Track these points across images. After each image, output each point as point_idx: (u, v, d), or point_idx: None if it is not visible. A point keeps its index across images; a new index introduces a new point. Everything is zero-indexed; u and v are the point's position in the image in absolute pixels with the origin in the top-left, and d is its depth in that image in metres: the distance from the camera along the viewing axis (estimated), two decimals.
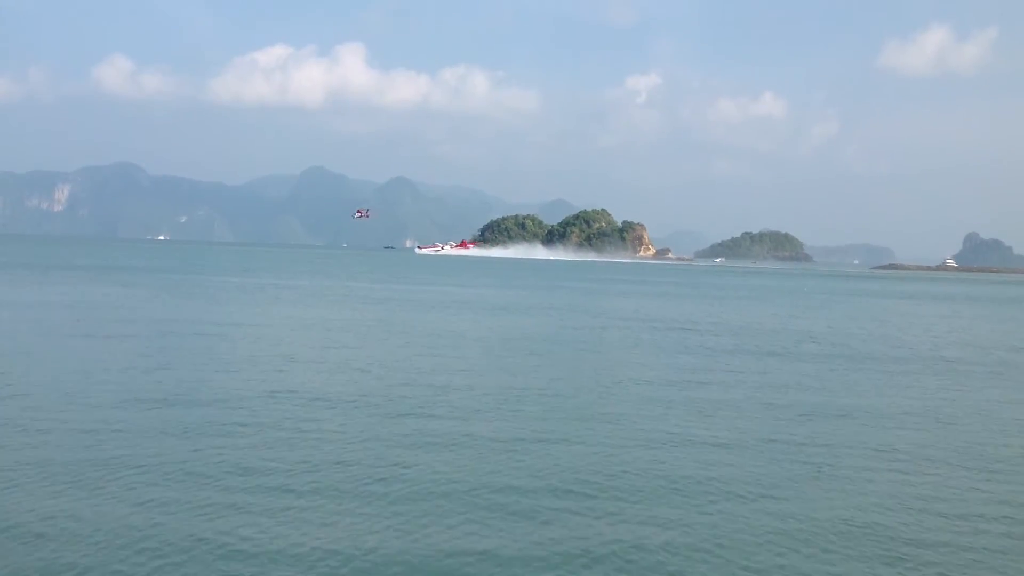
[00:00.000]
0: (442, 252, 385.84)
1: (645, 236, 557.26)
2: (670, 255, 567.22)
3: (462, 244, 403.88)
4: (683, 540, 18.17)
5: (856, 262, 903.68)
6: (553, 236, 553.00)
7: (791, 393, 36.67)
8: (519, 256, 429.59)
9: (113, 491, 19.91)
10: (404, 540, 17.58)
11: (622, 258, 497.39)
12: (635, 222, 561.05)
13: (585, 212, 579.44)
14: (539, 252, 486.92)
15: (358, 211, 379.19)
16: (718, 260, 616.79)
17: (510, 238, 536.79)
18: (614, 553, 17.33)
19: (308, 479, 21.37)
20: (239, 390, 32.67)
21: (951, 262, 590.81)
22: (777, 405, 33.67)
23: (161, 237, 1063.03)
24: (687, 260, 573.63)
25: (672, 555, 17.36)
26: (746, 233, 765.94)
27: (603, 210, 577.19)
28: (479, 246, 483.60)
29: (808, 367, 45.40)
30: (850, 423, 30.88)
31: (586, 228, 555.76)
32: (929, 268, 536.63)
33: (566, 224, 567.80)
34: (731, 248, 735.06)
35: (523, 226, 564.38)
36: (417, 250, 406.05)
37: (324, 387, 34.14)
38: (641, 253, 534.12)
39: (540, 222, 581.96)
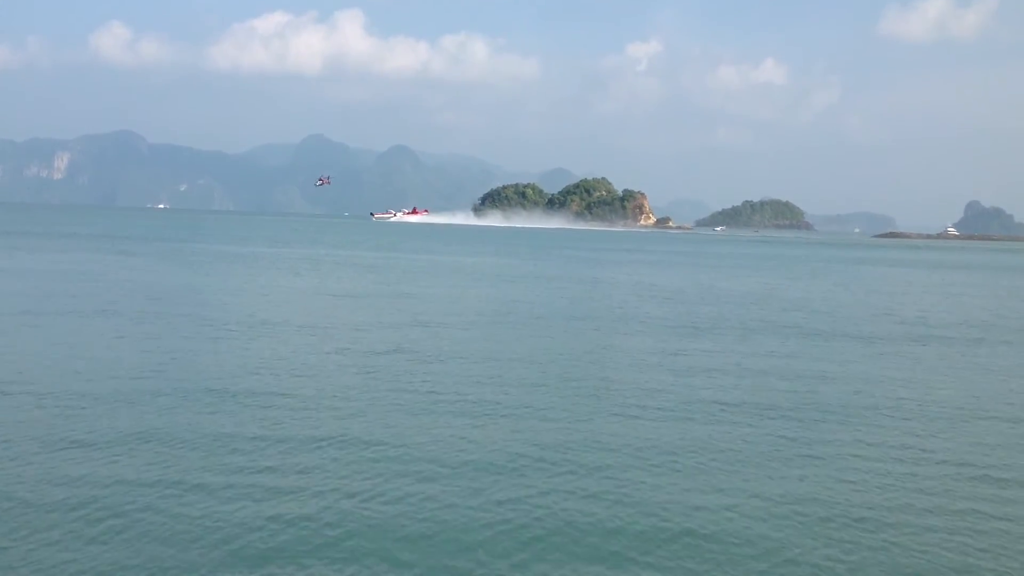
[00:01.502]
0: (395, 219, 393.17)
1: (646, 205, 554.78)
2: (671, 224, 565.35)
3: (413, 211, 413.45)
4: (650, 518, 18.19)
5: (857, 230, 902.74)
6: (553, 204, 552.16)
7: (769, 363, 36.61)
8: (505, 225, 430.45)
9: (89, 461, 19.91)
10: (386, 508, 17.63)
11: (622, 227, 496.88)
12: (636, 191, 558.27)
13: (585, 181, 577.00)
14: (525, 219, 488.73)
15: (319, 179, 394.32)
16: (719, 229, 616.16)
17: (510, 207, 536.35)
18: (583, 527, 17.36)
19: (286, 451, 21.38)
20: (216, 361, 32.69)
21: (952, 230, 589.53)
22: (752, 373, 33.64)
23: (161, 205, 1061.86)
24: (687, 228, 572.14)
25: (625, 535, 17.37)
26: (747, 202, 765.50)
27: (603, 179, 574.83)
28: (480, 212, 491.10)
29: (790, 337, 45.29)
30: (825, 397, 30.80)
31: (586, 197, 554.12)
32: (930, 236, 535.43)
33: (566, 193, 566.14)
34: (732, 216, 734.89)
35: (523, 195, 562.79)
36: (372, 217, 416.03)
37: (307, 359, 34.13)
38: (642, 222, 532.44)
39: (540, 191, 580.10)
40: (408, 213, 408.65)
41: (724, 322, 50.11)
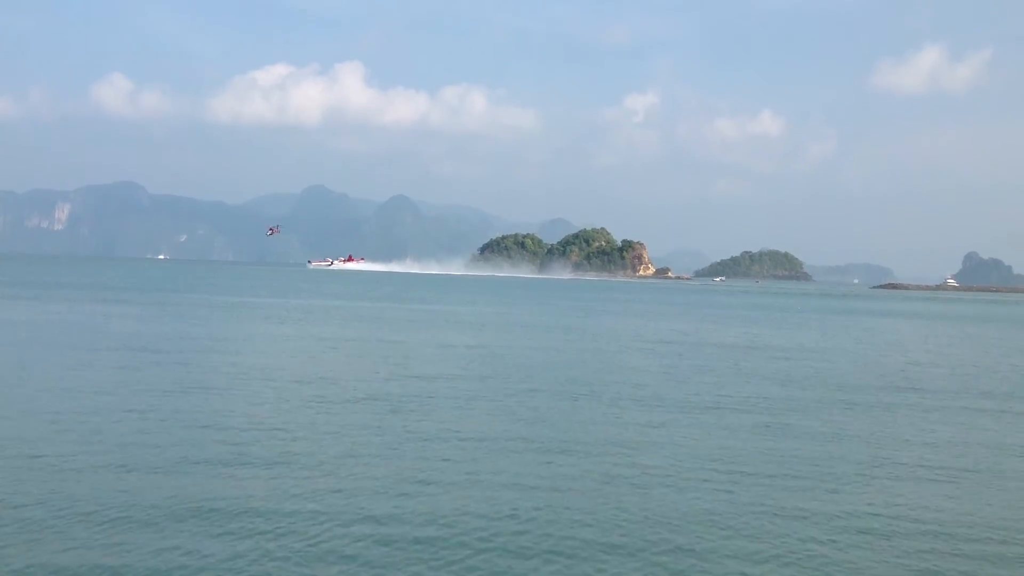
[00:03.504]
0: (332, 267, 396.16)
1: (645, 255, 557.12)
2: (670, 274, 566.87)
3: (349, 259, 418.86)
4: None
5: (856, 281, 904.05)
6: (553, 254, 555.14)
7: (744, 411, 36.24)
8: (503, 275, 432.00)
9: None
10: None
11: (621, 277, 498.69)
12: (635, 241, 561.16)
13: (585, 231, 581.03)
14: (524, 269, 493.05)
15: (270, 228, 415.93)
16: (718, 279, 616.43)
17: (509, 257, 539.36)
18: None
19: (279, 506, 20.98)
20: (202, 412, 32.32)
21: (952, 281, 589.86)
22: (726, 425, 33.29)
23: (161, 256, 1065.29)
24: (686, 279, 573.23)
25: None
26: (746, 252, 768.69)
27: (603, 229, 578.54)
28: (479, 262, 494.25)
29: (771, 389, 44.94)
30: (796, 440, 30.41)
31: (586, 247, 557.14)
32: (929, 287, 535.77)
33: (566, 243, 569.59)
34: (731, 267, 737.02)
35: (523, 245, 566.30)
36: (309, 264, 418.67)
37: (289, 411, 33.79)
38: (641, 272, 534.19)
39: (540, 241, 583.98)
40: (344, 261, 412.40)
41: (705, 370, 49.83)
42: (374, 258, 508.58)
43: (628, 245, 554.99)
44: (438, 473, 24.50)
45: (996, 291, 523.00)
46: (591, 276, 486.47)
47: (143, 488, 21.90)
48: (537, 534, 19.49)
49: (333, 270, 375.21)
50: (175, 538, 18.44)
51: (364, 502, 21.45)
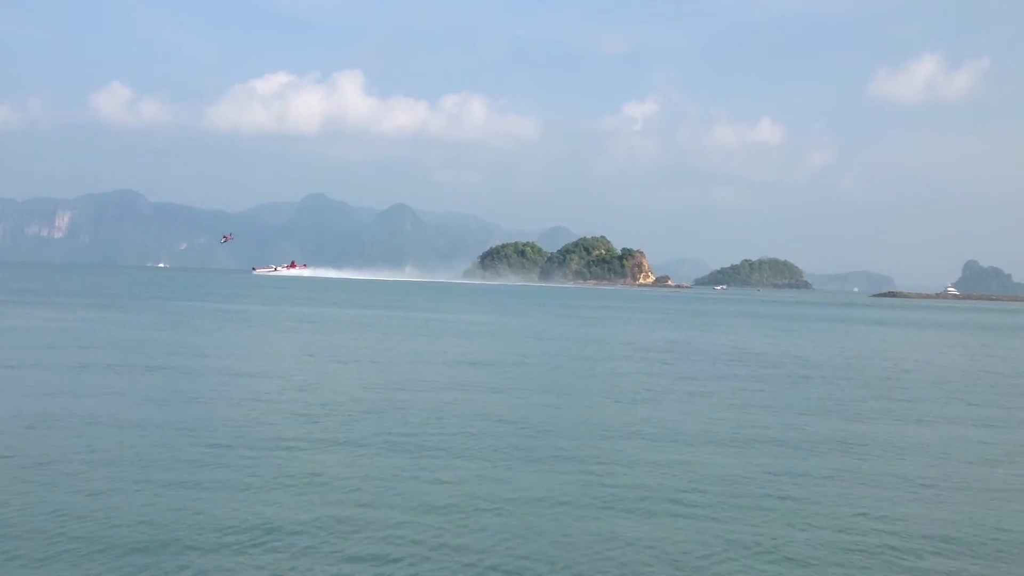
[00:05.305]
0: (276, 273, 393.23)
1: (645, 263, 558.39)
2: (670, 282, 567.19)
3: (291, 265, 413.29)
4: None
5: (856, 289, 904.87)
6: (553, 262, 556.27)
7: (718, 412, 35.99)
8: (503, 283, 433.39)
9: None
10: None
11: (621, 285, 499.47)
12: (635, 249, 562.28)
13: (585, 239, 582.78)
14: (524, 277, 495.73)
15: (224, 236, 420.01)
16: (719, 287, 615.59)
17: (510, 265, 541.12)
18: None
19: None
20: (204, 416, 32.07)
21: (952, 289, 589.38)
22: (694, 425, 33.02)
23: (161, 264, 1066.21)
24: (686, 287, 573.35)
25: None
26: (746, 260, 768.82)
27: (602, 237, 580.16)
28: (480, 270, 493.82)
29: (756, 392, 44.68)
30: (755, 447, 30.14)
31: (586, 255, 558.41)
32: (929, 296, 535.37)
33: (566, 251, 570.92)
34: (731, 275, 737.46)
35: (523, 253, 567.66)
36: (254, 271, 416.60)
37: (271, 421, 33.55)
38: (641, 280, 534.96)
39: (540, 249, 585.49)
40: (288, 267, 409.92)
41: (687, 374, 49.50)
42: (377, 267, 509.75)
43: (628, 253, 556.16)
44: (408, 491, 24.28)
45: (996, 299, 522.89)
46: (591, 284, 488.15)
47: (132, 494, 21.70)
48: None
49: (279, 276, 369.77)
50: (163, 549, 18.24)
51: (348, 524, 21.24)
